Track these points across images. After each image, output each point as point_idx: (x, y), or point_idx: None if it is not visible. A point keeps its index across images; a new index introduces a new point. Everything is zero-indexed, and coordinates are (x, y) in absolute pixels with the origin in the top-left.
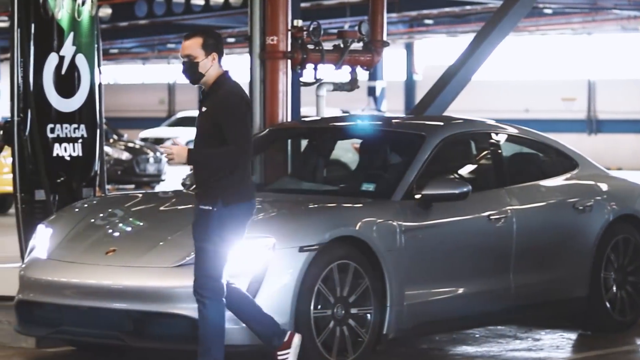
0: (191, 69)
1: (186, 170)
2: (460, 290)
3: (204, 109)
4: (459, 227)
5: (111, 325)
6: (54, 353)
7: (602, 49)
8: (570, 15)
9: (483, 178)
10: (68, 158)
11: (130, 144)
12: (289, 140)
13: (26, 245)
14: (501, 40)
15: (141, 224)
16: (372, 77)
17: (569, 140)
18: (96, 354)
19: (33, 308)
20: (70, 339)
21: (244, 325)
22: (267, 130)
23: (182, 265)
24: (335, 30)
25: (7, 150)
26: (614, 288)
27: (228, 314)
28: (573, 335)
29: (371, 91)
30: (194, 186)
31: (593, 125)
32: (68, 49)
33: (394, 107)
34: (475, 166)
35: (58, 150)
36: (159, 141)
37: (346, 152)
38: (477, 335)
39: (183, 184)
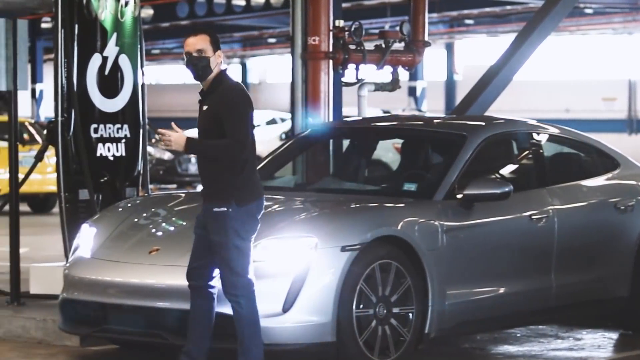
0: (202, 63)
1: None
2: (502, 290)
3: (204, 107)
4: (500, 227)
5: (154, 324)
6: (97, 351)
7: None
8: (611, 15)
9: (524, 178)
10: (111, 158)
11: None
12: (331, 141)
13: (70, 245)
14: (542, 41)
15: (184, 223)
16: (413, 77)
17: (609, 140)
18: (139, 352)
19: (77, 307)
20: (113, 337)
21: (286, 324)
22: (309, 130)
23: None
24: (375, 31)
25: (50, 150)
26: None
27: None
28: (614, 335)
29: (412, 91)
30: (202, 186)
31: (634, 125)
32: (111, 49)
33: (434, 107)
34: (516, 166)
35: (101, 150)
36: None
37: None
38: (518, 335)
39: None
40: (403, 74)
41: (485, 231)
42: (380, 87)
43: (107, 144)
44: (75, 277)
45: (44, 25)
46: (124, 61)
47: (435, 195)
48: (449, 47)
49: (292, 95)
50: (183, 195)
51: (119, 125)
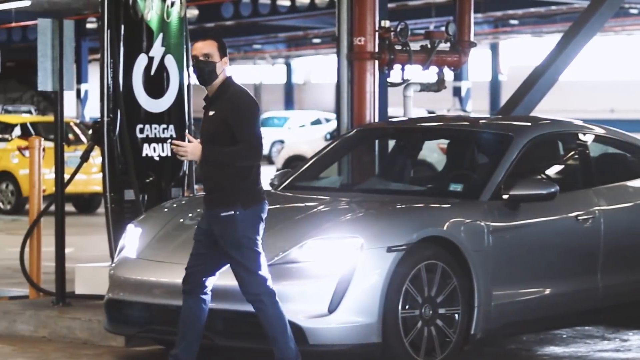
0: (208, 68)
1: (273, 170)
2: (548, 291)
3: (210, 113)
4: (546, 227)
5: None
6: (142, 352)
7: None
8: None
9: (570, 178)
10: (157, 158)
11: None
12: (377, 141)
13: (116, 245)
14: (588, 41)
15: None
16: (458, 77)
17: None
18: None
19: (122, 307)
20: (159, 337)
21: (332, 324)
22: (354, 130)
23: (271, 266)
24: (420, 31)
25: (96, 150)
26: None
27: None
28: None
29: (456, 91)
30: (204, 192)
31: None
32: (157, 50)
33: (479, 108)
34: (562, 167)
35: (147, 150)
36: None
37: (432, 152)
38: (564, 336)
39: (271, 184)
40: (448, 74)
41: (531, 232)
42: (425, 87)
43: (153, 144)
44: (120, 277)
45: (89, 26)
46: (170, 62)
47: (482, 195)
48: (494, 48)
49: (338, 95)
50: None
51: (164, 126)
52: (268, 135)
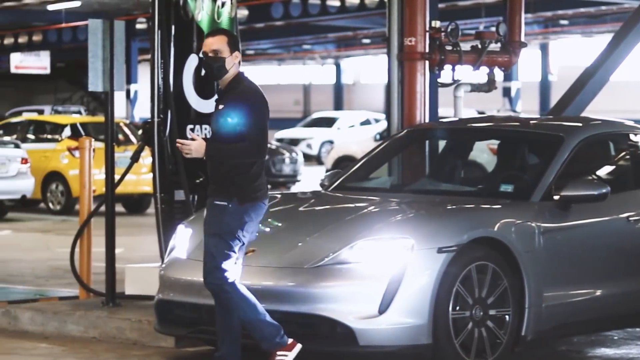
0: (217, 64)
1: (323, 171)
2: (599, 292)
3: (221, 106)
4: (597, 228)
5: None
6: (192, 352)
7: None
8: None
9: (622, 179)
10: None
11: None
12: (427, 141)
13: (166, 246)
14: (639, 41)
15: (280, 224)
16: (507, 77)
17: None
18: None
19: (172, 307)
20: (208, 338)
21: (382, 325)
22: (405, 131)
23: (321, 266)
24: (470, 31)
25: (146, 151)
26: None
27: None
28: None
29: (506, 92)
30: (209, 182)
31: None
32: None
33: (528, 108)
34: (613, 167)
35: None
36: (295, 142)
37: (482, 152)
38: (615, 338)
39: (322, 185)
40: (498, 75)
41: (582, 233)
42: (476, 87)
43: None
44: (171, 278)
45: (138, 26)
46: None
47: (532, 196)
48: (544, 48)
49: (388, 96)
50: (279, 196)
51: None
52: (317, 136)
